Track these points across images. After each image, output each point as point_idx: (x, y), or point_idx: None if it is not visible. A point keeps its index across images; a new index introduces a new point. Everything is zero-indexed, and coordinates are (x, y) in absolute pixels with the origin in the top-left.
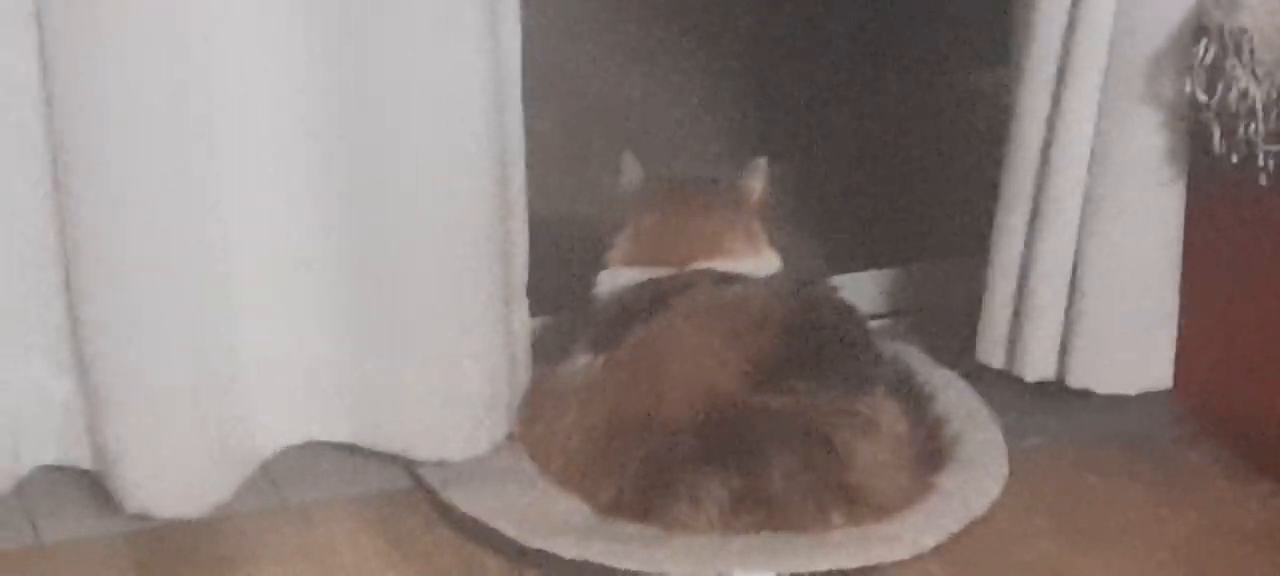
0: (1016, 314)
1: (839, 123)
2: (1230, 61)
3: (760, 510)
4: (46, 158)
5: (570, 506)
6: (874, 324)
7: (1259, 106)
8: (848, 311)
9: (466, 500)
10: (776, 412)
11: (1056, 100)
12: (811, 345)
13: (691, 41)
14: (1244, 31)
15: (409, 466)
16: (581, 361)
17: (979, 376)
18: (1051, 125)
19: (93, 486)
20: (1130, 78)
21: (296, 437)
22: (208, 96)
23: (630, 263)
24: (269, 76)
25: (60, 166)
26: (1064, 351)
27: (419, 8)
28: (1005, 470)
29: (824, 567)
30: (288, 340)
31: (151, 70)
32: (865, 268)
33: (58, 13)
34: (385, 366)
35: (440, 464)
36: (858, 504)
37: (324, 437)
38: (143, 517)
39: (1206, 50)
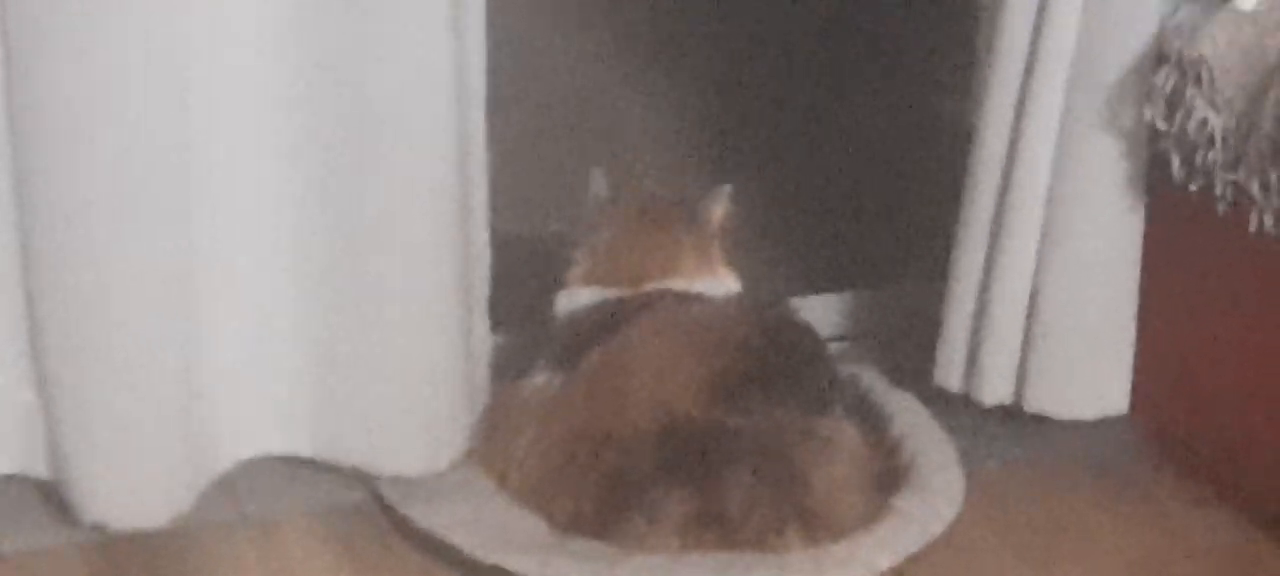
0: (974, 338)
1: (801, 145)
2: (1190, 90)
3: (717, 529)
4: (7, 167)
5: (528, 523)
6: (833, 347)
7: (1218, 135)
8: (807, 332)
9: (424, 515)
10: (735, 432)
11: (1017, 125)
12: (771, 365)
13: (657, 64)
14: (1203, 60)
15: (367, 481)
16: (541, 378)
17: (936, 400)
18: (1012, 150)
19: (49, 496)
20: (1091, 105)
21: (256, 451)
22: (170, 109)
23: (588, 281)
24: (231, 87)
25: (20, 176)
26: (1021, 375)
27: (378, 6)
28: (961, 492)
29: None
30: (248, 353)
31: (118, 77)
32: (825, 290)
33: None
34: (345, 380)
35: (398, 479)
36: (814, 524)
37: (283, 451)
38: (100, 528)
39: (1166, 79)
